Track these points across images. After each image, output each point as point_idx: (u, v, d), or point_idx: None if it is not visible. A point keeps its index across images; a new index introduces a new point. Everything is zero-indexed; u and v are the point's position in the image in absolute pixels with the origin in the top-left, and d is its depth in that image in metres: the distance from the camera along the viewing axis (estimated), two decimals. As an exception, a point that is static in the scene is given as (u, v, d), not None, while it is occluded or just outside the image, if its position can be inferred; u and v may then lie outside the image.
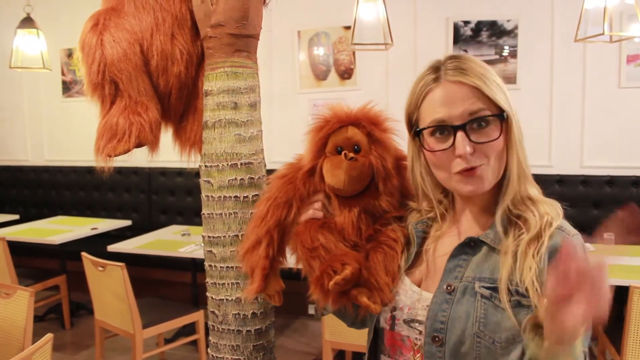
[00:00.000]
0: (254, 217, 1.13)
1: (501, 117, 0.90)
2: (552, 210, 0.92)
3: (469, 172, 0.90)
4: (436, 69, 0.93)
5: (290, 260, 1.11)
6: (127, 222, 4.38)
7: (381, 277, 0.99)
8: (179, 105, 1.55)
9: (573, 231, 0.93)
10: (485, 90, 0.89)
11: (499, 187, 0.95)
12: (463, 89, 0.90)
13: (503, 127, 0.90)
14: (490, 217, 0.96)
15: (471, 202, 0.99)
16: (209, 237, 1.44)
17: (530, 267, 0.87)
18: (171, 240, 3.64)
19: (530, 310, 0.87)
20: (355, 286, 0.99)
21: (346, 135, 1.03)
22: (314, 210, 1.06)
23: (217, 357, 1.46)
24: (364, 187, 1.04)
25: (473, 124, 0.89)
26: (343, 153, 1.02)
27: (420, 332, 0.95)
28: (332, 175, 1.01)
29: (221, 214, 1.41)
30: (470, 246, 0.96)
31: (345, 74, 4.30)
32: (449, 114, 0.90)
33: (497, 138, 0.89)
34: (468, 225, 0.99)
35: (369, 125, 1.03)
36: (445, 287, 0.94)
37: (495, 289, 0.90)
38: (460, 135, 0.89)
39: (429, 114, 0.93)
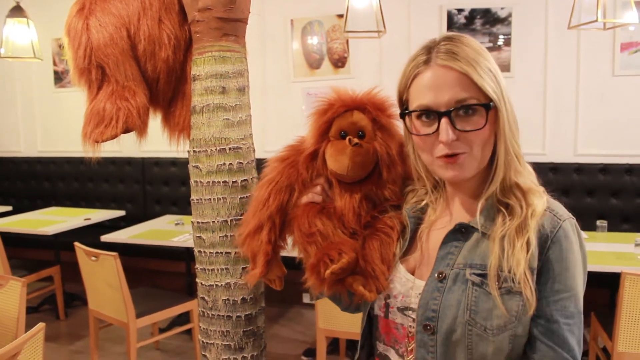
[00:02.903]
0: (254, 200, 1.11)
1: (487, 106, 0.88)
2: (539, 201, 0.91)
3: (450, 158, 0.90)
4: (429, 50, 0.92)
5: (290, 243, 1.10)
6: (121, 213, 4.37)
7: (377, 265, 0.99)
8: (168, 91, 1.53)
9: (566, 215, 0.92)
10: (474, 77, 0.87)
11: (487, 174, 0.95)
12: (452, 74, 0.88)
13: (489, 116, 0.88)
14: (479, 204, 0.95)
15: (460, 188, 0.99)
16: (198, 222, 1.44)
17: (519, 261, 0.86)
18: (165, 230, 3.63)
19: (521, 297, 0.87)
20: (350, 274, 0.99)
21: (351, 119, 1.01)
22: (313, 194, 1.05)
23: (207, 343, 1.46)
24: (367, 173, 1.02)
25: (459, 111, 0.88)
26: (347, 138, 1.00)
27: (414, 320, 0.95)
28: (336, 161, 1.00)
29: (210, 199, 1.40)
30: (461, 232, 0.95)
31: (339, 62, 4.28)
32: (435, 100, 0.89)
33: (482, 127, 0.88)
34: (459, 211, 0.99)
35: (374, 110, 1.01)
36: (436, 275, 0.94)
37: (486, 276, 0.89)
38: (444, 121, 0.88)
39: (417, 98, 0.92)
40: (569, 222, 0.91)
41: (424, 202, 1.02)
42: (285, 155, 1.10)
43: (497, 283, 0.87)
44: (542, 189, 0.95)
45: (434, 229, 1.00)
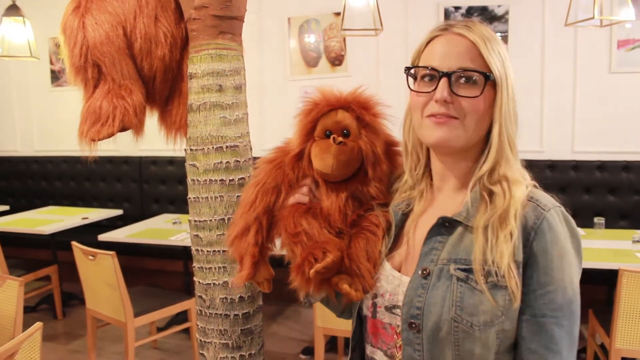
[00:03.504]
0: (242, 202, 1.11)
1: (487, 76, 0.89)
2: (521, 191, 0.90)
3: (440, 118, 0.90)
4: (447, 24, 0.94)
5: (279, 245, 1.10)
6: (118, 212, 4.36)
7: (363, 263, 0.98)
8: (164, 89, 1.53)
9: (550, 204, 0.90)
10: (483, 50, 0.89)
11: (477, 162, 0.94)
12: (463, 43, 0.90)
13: (486, 88, 0.89)
14: (466, 196, 0.95)
15: (447, 177, 0.98)
16: (195, 221, 1.43)
17: (502, 253, 0.85)
18: (162, 229, 3.63)
19: (506, 291, 0.86)
20: (336, 273, 0.98)
21: (335, 118, 1.02)
22: (299, 195, 1.05)
23: (205, 341, 1.46)
24: (352, 172, 1.02)
25: (461, 77, 0.90)
26: (332, 137, 1.00)
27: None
28: (320, 160, 1.00)
29: (207, 197, 1.40)
30: (445, 227, 0.94)
31: (336, 60, 4.28)
32: (441, 62, 0.91)
33: (477, 96, 0.89)
34: (444, 205, 0.98)
35: (358, 109, 1.01)
36: (420, 271, 0.93)
37: (470, 271, 0.88)
38: (443, 81, 0.89)
39: (427, 59, 0.94)
40: (555, 211, 0.89)
41: (410, 196, 1.02)
42: (273, 156, 1.10)
43: (483, 277, 0.86)
44: (531, 183, 0.94)
45: (419, 224, 0.99)
